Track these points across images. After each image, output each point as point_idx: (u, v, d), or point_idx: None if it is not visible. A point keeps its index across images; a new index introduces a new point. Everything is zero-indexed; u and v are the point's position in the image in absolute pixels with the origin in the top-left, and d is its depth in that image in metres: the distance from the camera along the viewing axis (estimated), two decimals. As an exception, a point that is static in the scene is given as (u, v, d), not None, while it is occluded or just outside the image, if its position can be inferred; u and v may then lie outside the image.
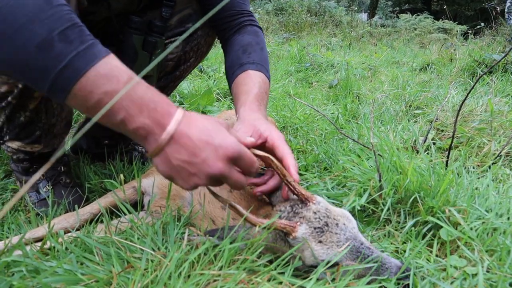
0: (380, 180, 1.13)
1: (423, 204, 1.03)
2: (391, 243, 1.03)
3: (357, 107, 2.21)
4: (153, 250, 0.87)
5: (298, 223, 0.84)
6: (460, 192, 1.07)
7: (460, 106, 1.34)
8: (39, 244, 1.00)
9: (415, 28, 13.18)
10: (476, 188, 1.15)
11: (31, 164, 1.32)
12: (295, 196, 0.90)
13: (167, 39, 1.30)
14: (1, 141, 1.26)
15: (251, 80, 1.15)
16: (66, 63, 0.63)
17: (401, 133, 1.78)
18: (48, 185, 1.31)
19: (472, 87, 1.31)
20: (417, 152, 1.64)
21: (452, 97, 1.91)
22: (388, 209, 1.08)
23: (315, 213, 0.85)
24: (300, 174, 1.39)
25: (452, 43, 4.39)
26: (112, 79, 0.65)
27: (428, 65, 4.35)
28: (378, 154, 1.26)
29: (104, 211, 1.11)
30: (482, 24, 5.38)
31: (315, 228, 0.83)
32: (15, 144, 1.24)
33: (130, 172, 1.48)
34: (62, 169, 1.36)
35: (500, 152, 1.37)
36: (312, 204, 0.87)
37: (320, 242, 0.82)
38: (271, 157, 0.87)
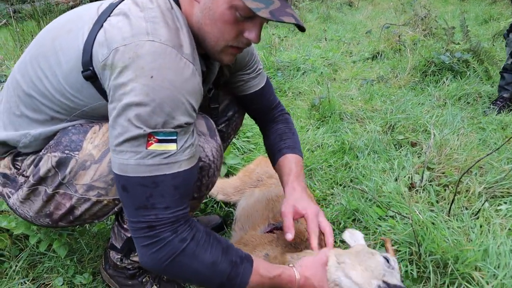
0: (419, 250, 1.58)
1: (452, 269, 1.49)
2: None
3: (352, 139, 2.62)
4: None
5: None
6: (476, 252, 1.54)
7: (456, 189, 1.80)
8: None
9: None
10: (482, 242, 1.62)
11: (139, 269, 1.55)
12: None
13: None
14: (123, 256, 1.43)
15: (289, 162, 1.53)
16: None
17: (400, 171, 2.24)
18: (155, 285, 1.58)
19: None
20: (416, 190, 2.11)
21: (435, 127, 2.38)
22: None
23: None
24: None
25: (393, 29, 4.86)
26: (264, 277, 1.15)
27: (378, 53, 4.84)
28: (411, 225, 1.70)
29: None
30: None
31: None
32: None
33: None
34: None
35: (484, 202, 1.87)
36: None
37: None
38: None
